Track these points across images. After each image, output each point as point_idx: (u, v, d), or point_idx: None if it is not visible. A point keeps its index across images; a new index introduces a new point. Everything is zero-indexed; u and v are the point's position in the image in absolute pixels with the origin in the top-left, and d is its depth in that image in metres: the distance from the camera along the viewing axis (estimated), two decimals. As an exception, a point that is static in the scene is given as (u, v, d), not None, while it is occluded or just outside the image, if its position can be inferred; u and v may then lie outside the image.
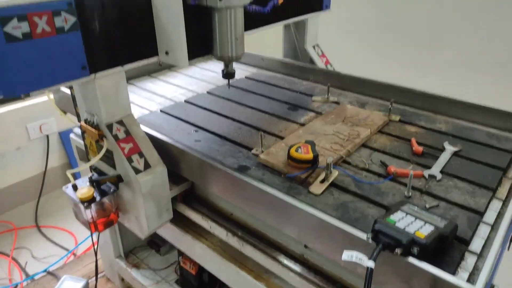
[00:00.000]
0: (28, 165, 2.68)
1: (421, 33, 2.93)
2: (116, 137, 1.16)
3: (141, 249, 1.94)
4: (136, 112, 1.60)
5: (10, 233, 2.38)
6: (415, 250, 0.81)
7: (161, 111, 1.59)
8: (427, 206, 1.04)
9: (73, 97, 1.21)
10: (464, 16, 2.66)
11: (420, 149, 1.29)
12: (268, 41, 2.37)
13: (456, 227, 0.91)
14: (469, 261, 0.88)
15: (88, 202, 1.18)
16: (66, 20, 0.92)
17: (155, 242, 1.94)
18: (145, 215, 1.21)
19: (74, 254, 2.23)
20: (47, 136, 2.72)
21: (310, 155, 1.16)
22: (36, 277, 2.05)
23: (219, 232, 1.24)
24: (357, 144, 1.33)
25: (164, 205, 1.26)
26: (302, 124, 1.48)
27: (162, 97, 1.76)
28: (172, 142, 1.28)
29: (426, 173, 1.17)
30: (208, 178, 1.21)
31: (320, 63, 2.00)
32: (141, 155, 1.19)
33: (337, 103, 1.67)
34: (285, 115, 1.56)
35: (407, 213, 0.91)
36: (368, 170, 1.20)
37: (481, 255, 0.89)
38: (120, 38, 1.07)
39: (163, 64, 1.24)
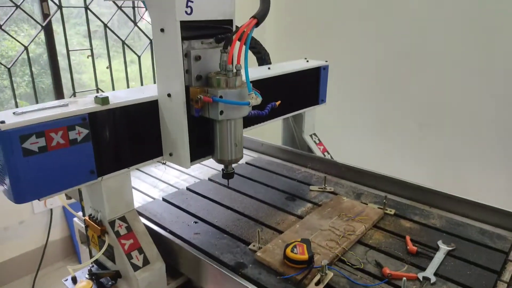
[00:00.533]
0: (30, 238, 2.70)
1: (415, 124, 3.08)
2: (117, 234, 1.20)
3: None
4: (139, 199, 1.67)
5: (4, 311, 2.34)
6: None
7: (163, 199, 1.65)
8: (421, 313, 1.04)
9: (80, 192, 1.28)
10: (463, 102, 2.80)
11: (414, 248, 1.31)
12: (268, 126, 2.50)
13: None
14: None
15: (85, 298, 1.20)
16: (80, 133, 1.02)
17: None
18: (141, 312, 1.21)
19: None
20: (51, 210, 2.77)
21: (305, 256, 1.19)
22: None
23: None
24: (352, 241, 1.36)
25: (160, 300, 1.27)
26: (300, 216, 1.52)
27: (165, 183, 1.83)
28: (171, 238, 1.32)
29: (421, 275, 1.19)
30: (204, 275, 1.23)
31: (317, 151, 2.09)
32: (140, 251, 1.22)
33: (334, 193, 1.72)
34: (283, 206, 1.61)
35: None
36: (363, 271, 1.22)
37: None
38: (128, 144, 1.16)
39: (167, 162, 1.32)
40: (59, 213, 2.82)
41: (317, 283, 1.14)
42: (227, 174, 1.31)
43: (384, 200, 1.58)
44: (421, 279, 1.18)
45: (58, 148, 0.99)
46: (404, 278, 1.10)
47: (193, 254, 1.24)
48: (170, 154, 1.26)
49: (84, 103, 1.09)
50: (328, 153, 2.13)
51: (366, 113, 3.33)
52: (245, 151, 2.26)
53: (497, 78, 2.58)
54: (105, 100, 1.08)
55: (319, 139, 2.16)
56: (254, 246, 1.32)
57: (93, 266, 1.32)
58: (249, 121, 1.51)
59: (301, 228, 1.43)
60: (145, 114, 1.20)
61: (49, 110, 1.00)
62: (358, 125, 3.42)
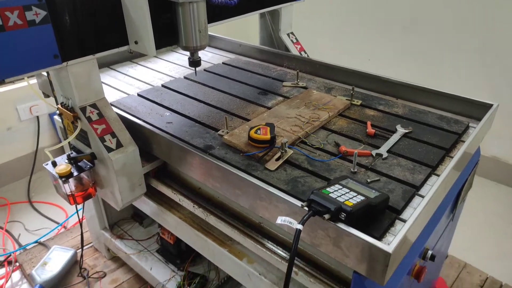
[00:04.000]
0: (20, 144, 2.80)
1: (395, 21, 3.02)
2: (89, 119, 1.27)
3: (125, 221, 2.08)
4: (115, 96, 1.71)
5: (4, 207, 2.53)
6: (343, 216, 0.93)
7: (138, 94, 1.70)
8: (369, 180, 1.15)
9: (50, 82, 1.32)
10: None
11: (373, 131, 1.40)
12: (253, 28, 2.45)
13: (387, 198, 1.03)
14: (398, 227, 1.00)
15: (66, 177, 1.30)
16: (37, 14, 1.02)
17: (138, 215, 2.08)
18: (119, 190, 1.33)
19: (65, 227, 2.38)
20: (37, 118, 2.83)
21: (267, 136, 1.28)
22: (28, 247, 2.20)
23: (187, 204, 1.37)
24: (316, 126, 1.44)
25: (137, 180, 1.38)
26: (269, 108, 1.59)
27: (141, 81, 1.86)
28: (144, 124, 1.39)
29: (374, 152, 1.29)
30: (176, 157, 1.33)
31: (294, 50, 2.09)
32: (113, 135, 1.30)
33: (305, 88, 1.77)
34: (254, 99, 1.66)
35: (343, 186, 1.03)
36: (322, 150, 1.32)
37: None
38: (90, 30, 1.17)
39: (134, 52, 1.34)
40: (46, 120, 2.89)
41: (277, 159, 1.24)
42: (194, 62, 1.33)
43: (352, 92, 1.63)
44: (374, 155, 1.28)
45: (16, 29, 1.00)
46: (356, 151, 1.19)
47: (166, 139, 1.32)
48: (136, 42, 1.27)
49: (40, -16, 1.07)
50: (305, 52, 2.13)
51: (349, 15, 3.25)
52: (222, 53, 2.26)
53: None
54: (61, -18, 1.06)
55: (296, 38, 2.14)
56: (222, 131, 1.40)
57: (72, 153, 1.41)
58: (220, 14, 1.49)
59: (268, 116, 1.50)
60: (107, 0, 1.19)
61: (3, -11, 0.99)
62: (341, 26, 3.35)
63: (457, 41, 2.78)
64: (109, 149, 1.28)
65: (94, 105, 1.29)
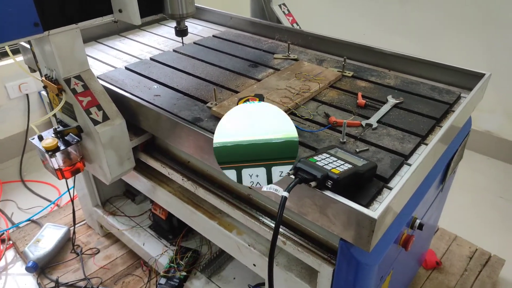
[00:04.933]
0: (10, 123, 2.76)
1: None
2: (74, 91, 1.24)
3: (117, 198, 2.08)
4: (102, 69, 1.68)
5: (-4, 187, 2.52)
6: (329, 184, 0.92)
7: (125, 68, 1.66)
8: (357, 150, 1.14)
9: (34, 54, 1.28)
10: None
11: (363, 101, 1.38)
12: (244, 1, 2.39)
13: (375, 166, 1.03)
14: (385, 195, 1.00)
15: (52, 151, 1.29)
16: (13, -23, 0.98)
17: (130, 192, 2.07)
18: (107, 164, 1.32)
19: (58, 205, 2.38)
20: (27, 96, 2.79)
21: (256, 107, 1.26)
22: (20, 225, 2.20)
23: (176, 177, 1.37)
24: (306, 97, 1.42)
25: (125, 154, 1.37)
26: (259, 80, 1.56)
27: (129, 55, 1.83)
28: (131, 97, 1.37)
29: (364, 122, 1.28)
30: (164, 130, 1.31)
31: (286, 22, 2.05)
32: (99, 108, 1.28)
33: (296, 60, 1.74)
34: (244, 72, 1.63)
35: (331, 155, 1.02)
36: (312, 121, 1.30)
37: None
38: (71, -4, 1.13)
39: (119, 21, 1.30)
40: (36, 98, 2.85)
41: (266, 130, 1.22)
42: (180, 31, 1.30)
43: (343, 63, 1.61)
44: (364, 125, 1.27)
45: (-9, -6, 0.96)
46: (345, 121, 1.18)
47: (154, 111, 1.30)
48: (120, 11, 1.23)
49: None
50: (297, 24, 2.08)
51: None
52: (213, 26, 2.21)
53: None
54: None
55: (288, 10, 2.09)
56: (211, 104, 1.38)
57: (58, 127, 1.39)
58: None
59: (258, 88, 1.48)
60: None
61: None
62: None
63: (456, 14, 2.74)
64: (96, 122, 1.26)
65: (78, 77, 1.26)
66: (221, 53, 1.82)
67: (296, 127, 1.24)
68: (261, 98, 1.31)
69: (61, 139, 1.34)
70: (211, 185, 1.31)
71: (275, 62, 1.73)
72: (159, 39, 2.02)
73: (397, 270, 1.29)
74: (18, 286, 1.87)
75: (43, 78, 1.29)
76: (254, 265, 1.25)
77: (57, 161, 1.33)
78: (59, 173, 1.36)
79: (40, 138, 1.32)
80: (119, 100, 1.37)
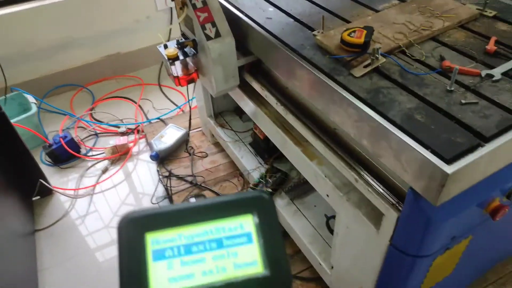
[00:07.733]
0: (155, 33, 3.13)
1: None
2: (194, 6, 1.35)
3: (228, 113, 2.28)
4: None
5: (139, 87, 2.98)
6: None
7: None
8: (463, 101, 1.02)
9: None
10: None
11: (494, 48, 1.18)
12: None
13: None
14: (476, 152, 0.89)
15: (173, 59, 1.47)
16: None
17: (240, 109, 2.24)
18: (214, 78, 1.45)
19: (183, 111, 2.73)
20: (171, 9, 3.09)
21: (361, 40, 1.19)
22: (152, 121, 2.62)
23: (271, 100, 1.43)
24: (424, 36, 1.28)
25: (231, 71, 1.48)
26: (378, 11, 1.45)
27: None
28: (243, 17, 1.43)
29: (484, 72, 1.11)
30: (267, 53, 1.36)
31: None
32: (213, 24, 1.38)
33: (429, -9, 1.53)
34: (365, 1, 1.52)
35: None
36: (422, 62, 1.18)
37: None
38: None
39: None
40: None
41: (366, 66, 1.17)
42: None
43: (487, 0, 1.36)
44: (483, 75, 1.10)
45: None
46: (457, 67, 1.04)
47: (259, 33, 1.35)
48: None
49: None
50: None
51: None
52: None
53: None
54: None
55: None
56: (317, 32, 1.35)
57: (181, 39, 1.55)
58: None
59: (372, 20, 1.37)
60: None
61: None
62: None
63: None
64: (208, 37, 1.37)
65: (199, -7, 1.36)
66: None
67: (402, 66, 1.16)
68: (369, 30, 1.23)
69: (181, 50, 1.50)
70: (300, 113, 1.35)
71: (405, -8, 1.55)
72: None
73: (480, 240, 1.18)
74: (144, 168, 2.30)
75: (171, -8, 1.43)
76: (327, 195, 1.29)
77: (176, 69, 1.52)
78: (177, 80, 1.55)
79: (165, 47, 1.50)
80: (232, 20, 1.44)
